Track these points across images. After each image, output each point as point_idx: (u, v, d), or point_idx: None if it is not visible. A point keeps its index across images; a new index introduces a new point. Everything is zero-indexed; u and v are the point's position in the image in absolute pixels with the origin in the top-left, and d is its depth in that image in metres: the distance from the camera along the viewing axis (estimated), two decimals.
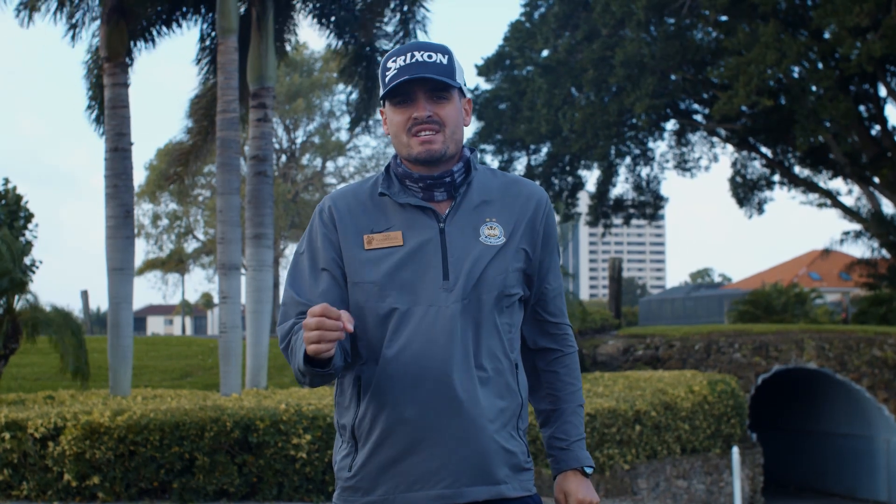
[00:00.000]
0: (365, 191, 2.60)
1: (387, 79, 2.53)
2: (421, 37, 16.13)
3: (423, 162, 2.52)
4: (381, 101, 2.59)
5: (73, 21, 14.81)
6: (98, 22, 14.84)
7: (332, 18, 16.45)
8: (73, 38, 14.92)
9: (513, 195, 2.60)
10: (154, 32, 15.98)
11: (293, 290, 2.56)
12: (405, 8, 16.10)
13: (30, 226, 21.37)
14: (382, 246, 2.51)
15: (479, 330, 2.47)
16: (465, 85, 2.62)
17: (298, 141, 45.86)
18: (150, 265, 45.82)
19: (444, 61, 2.53)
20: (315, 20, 16.66)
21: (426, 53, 2.52)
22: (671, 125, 33.65)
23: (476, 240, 2.52)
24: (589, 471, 2.66)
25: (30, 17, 14.51)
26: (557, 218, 30.14)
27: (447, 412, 2.43)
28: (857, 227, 31.89)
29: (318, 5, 16.55)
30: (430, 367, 2.43)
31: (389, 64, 2.54)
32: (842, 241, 32.10)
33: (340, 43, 16.78)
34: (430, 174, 2.54)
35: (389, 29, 16.33)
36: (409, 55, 2.51)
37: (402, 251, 2.49)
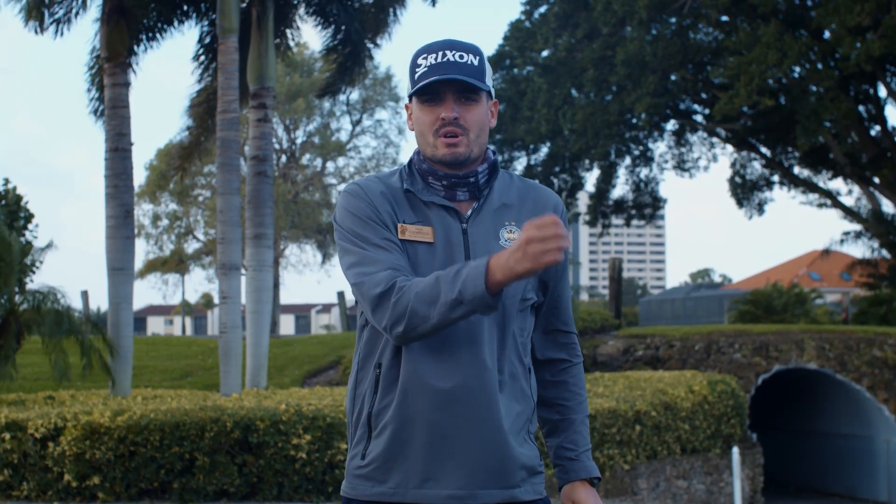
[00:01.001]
0: (391, 183, 2.58)
1: (416, 76, 2.51)
2: (400, 30, 16.28)
3: (448, 165, 2.52)
4: (409, 97, 2.57)
5: (56, 17, 14.74)
6: (78, 17, 14.84)
7: (328, 14, 16.45)
8: (56, 33, 14.82)
9: (531, 200, 2.60)
10: (154, 32, 15.98)
11: (370, 251, 2.45)
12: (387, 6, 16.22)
13: (30, 226, 21.38)
14: (415, 239, 2.49)
15: (498, 333, 2.48)
16: (492, 87, 2.62)
17: (298, 141, 45.87)
18: (151, 267, 45.77)
19: (475, 62, 2.51)
20: (313, 16, 16.67)
21: (458, 53, 2.50)
22: (671, 125, 33.66)
23: (496, 242, 2.51)
24: (596, 481, 2.65)
25: (41, 23, 14.51)
26: None
27: (468, 413, 2.42)
28: (857, 227, 31.91)
29: (318, 4, 16.55)
30: (454, 366, 2.43)
31: (420, 61, 2.51)
32: (842, 240, 32.13)
33: (333, 38, 16.80)
34: (455, 173, 2.54)
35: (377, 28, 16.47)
36: (440, 53, 2.49)
37: (432, 249, 2.49)
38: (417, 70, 2.51)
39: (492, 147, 2.67)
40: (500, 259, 2.26)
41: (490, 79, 2.57)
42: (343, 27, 16.42)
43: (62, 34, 14.80)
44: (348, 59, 16.81)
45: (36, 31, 14.52)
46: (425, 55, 2.51)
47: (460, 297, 2.28)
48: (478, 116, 2.52)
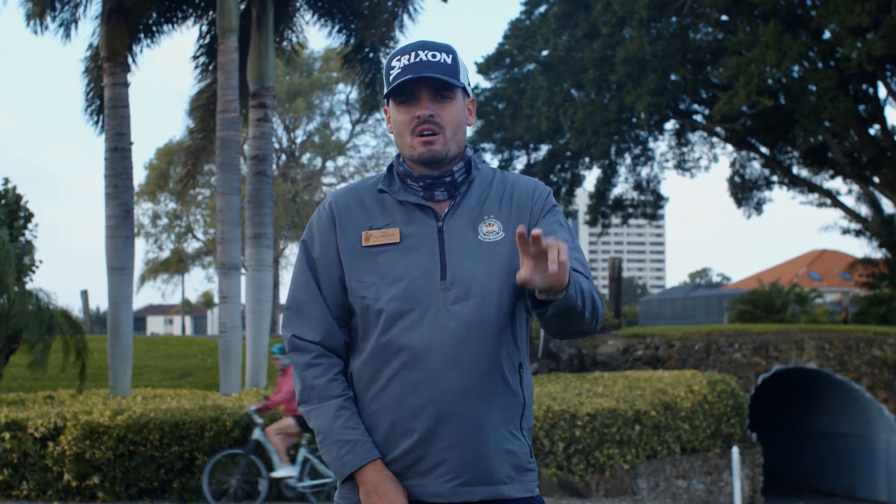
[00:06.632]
0: (367, 188, 2.60)
1: (391, 77, 2.52)
2: (412, 29, 16.24)
3: (426, 163, 2.51)
4: (385, 100, 2.57)
5: (64, 20, 14.74)
6: (87, 16, 14.86)
7: (333, 12, 16.44)
8: (64, 34, 14.82)
9: (510, 192, 2.58)
10: (154, 32, 15.98)
11: (302, 307, 2.55)
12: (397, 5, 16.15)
13: (29, 225, 21.36)
14: (380, 242, 2.50)
15: (478, 329, 2.44)
16: (469, 84, 2.61)
17: (298, 140, 45.86)
18: (152, 271, 45.66)
19: (448, 61, 2.52)
20: (315, 15, 16.65)
21: (430, 52, 2.51)
22: (671, 125, 33.69)
23: (475, 238, 2.50)
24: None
25: (41, 23, 14.53)
26: None
27: (446, 412, 2.41)
28: (856, 226, 31.97)
29: (320, 3, 16.53)
30: (427, 367, 2.41)
31: (394, 63, 2.53)
32: (844, 232, 32.30)
33: (343, 39, 16.77)
34: (431, 174, 2.53)
35: (386, 26, 16.36)
36: (413, 54, 2.51)
37: (398, 248, 2.48)
38: (392, 72, 2.52)
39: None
40: (367, 484, 2.42)
41: (465, 76, 2.57)
42: (352, 31, 16.42)
43: (69, 36, 14.84)
44: (361, 65, 16.82)
45: (36, 33, 14.55)
46: (399, 57, 2.52)
47: (329, 459, 2.47)
48: (454, 114, 2.52)
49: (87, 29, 14.99)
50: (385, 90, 2.56)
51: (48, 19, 14.60)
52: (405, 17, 16.14)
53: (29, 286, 13.97)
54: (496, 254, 2.49)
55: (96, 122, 16.05)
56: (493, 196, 2.57)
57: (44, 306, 12.73)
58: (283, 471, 9.75)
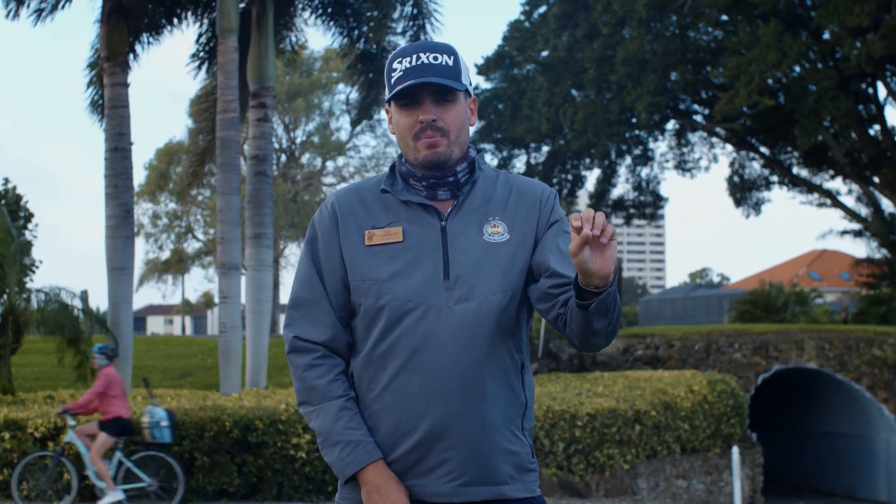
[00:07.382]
0: (370, 188, 2.59)
1: (392, 80, 2.51)
2: (431, 34, 16.13)
3: (430, 167, 2.51)
4: (387, 101, 2.56)
5: (41, 6, 14.66)
6: (64, 8, 14.78)
7: (337, 17, 16.42)
8: (38, 20, 14.71)
9: (516, 194, 2.57)
10: (154, 31, 15.97)
11: (305, 307, 2.54)
12: (414, 4, 16.07)
13: (30, 225, 21.37)
14: (383, 242, 2.49)
15: (482, 329, 2.44)
16: (470, 84, 2.60)
17: (298, 140, 45.86)
18: (152, 271, 45.63)
19: (450, 63, 2.51)
20: (318, 18, 16.64)
21: (432, 55, 2.50)
22: (671, 125, 33.71)
23: (480, 238, 2.49)
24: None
25: (16, 12, 14.47)
26: None
27: (448, 412, 2.41)
28: (856, 226, 31.99)
29: (321, 3, 16.52)
30: (429, 366, 2.41)
31: (395, 65, 2.52)
32: (844, 232, 32.29)
33: (345, 41, 16.74)
34: (434, 173, 2.53)
35: (399, 28, 16.31)
36: (414, 56, 2.49)
37: (401, 247, 2.47)
38: (393, 74, 2.50)
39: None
40: (369, 485, 2.41)
41: (467, 76, 2.56)
42: (356, 33, 16.40)
43: (43, 20, 14.65)
44: (364, 67, 16.82)
45: (11, 16, 14.43)
46: (400, 59, 2.51)
47: (331, 460, 2.46)
48: (456, 116, 2.51)
49: (72, 26, 14.84)
50: (387, 91, 2.54)
51: (24, 5, 14.45)
52: (427, 25, 16.07)
53: (30, 286, 13.98)
54: (500, 255, 2.48)
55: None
56: (499, 197, 2.55)
57: (78, 312, 12.77)
58: (111, 496, 9.53)
